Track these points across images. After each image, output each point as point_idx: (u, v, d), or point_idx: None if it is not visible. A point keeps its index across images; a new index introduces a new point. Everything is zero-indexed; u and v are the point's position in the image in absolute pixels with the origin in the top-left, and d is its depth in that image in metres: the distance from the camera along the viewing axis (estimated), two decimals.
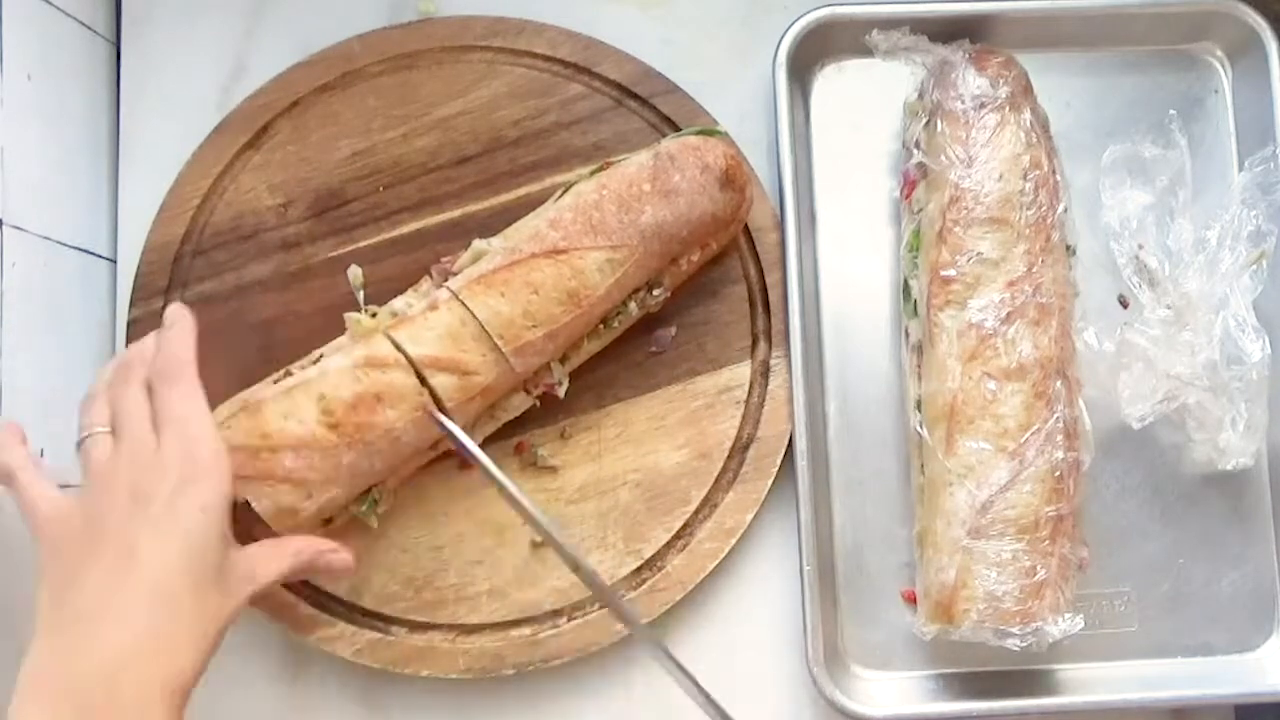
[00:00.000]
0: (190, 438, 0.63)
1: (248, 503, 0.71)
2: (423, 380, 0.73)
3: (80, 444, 0.64)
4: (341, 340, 0.76)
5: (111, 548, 0.60)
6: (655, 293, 0.80)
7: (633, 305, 0.79)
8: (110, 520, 0.61)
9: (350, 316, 0.76)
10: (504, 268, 0.74)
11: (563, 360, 0.79)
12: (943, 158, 0.80)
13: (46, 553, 0.61)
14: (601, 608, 0.80)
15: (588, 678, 0.81)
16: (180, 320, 0.67)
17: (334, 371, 0.72)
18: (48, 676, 0.58)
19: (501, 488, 0.69)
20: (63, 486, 0.76)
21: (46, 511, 0.62)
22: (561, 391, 0.79)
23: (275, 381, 0.74)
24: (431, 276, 0.78)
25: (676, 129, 0.84)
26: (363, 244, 0.83)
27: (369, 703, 0.81)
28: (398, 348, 0.72)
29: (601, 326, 0.79)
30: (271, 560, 0.67)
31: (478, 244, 0.78)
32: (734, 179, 0.78)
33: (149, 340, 0.68)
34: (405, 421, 0.73)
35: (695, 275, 0.82)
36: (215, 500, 0.62)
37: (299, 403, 0.72)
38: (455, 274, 0.76)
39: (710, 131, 0.81)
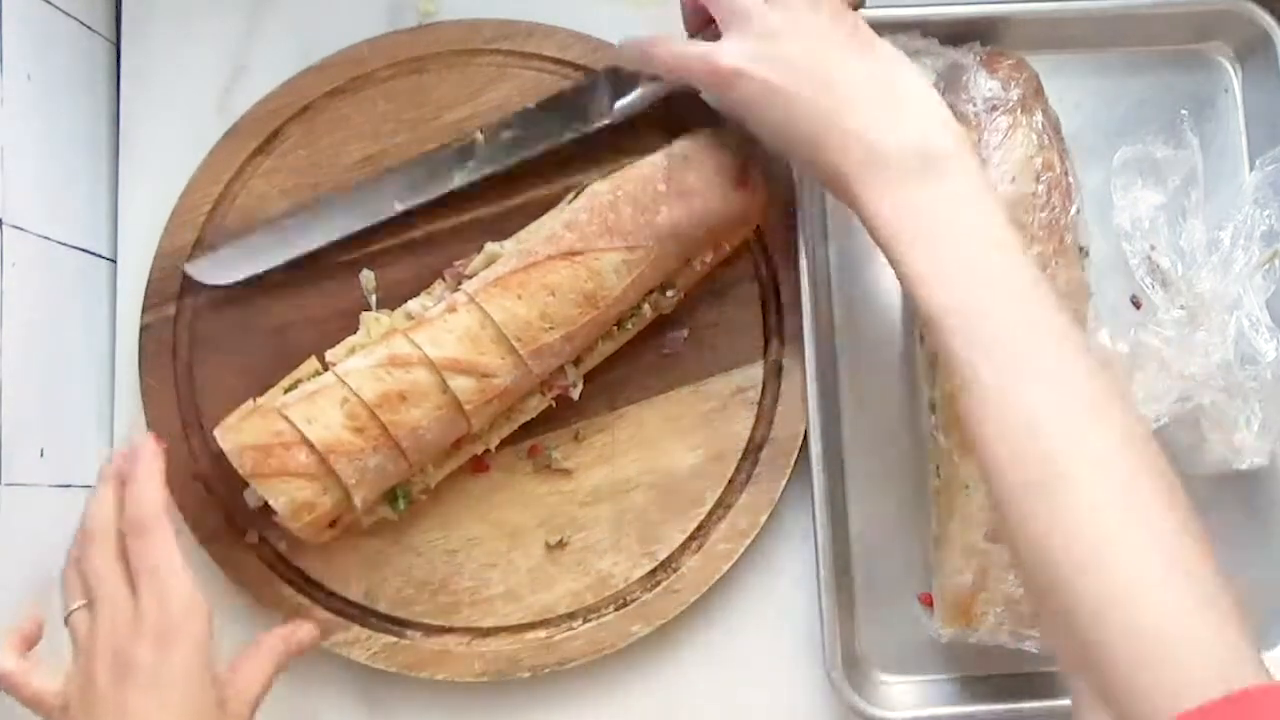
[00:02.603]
0: (163, 590, 0.65)
1: (267, 505, 0.71)
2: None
3: (66, 622, 0.67)
4: (350, 340, 0.76)
5: (108, 715, 0.63)
6: (668, 294, 0.80)
7: (646, 307, 0.79)
8: (99, 688, 0.63)
9: (367, 316, 0.76)
10: (520, 270, 0.74)
11: (576, 363, 0.79)
12: None
13: None
14: (617, 609, 0.79)
15: (602, 680, 0.81)
16: (146, 462, 0.68)
17: (355, 373, 0.72)
18: None
19: None
20: (63, 486, 0.76)
21: (50, 702, 0.65)
22: (575, 394, 0.79)
23: (285, 390, 0.74)
24: (444, 280, 0.78)
25: (686, 130, 0.84)
26: (374, 248, 0.83)
27: (376, 705, 0.81)
28: (418, 349, 0.72)
29: (615, 329, 0.79)
30: (257, 672, 0.70)
31: (490, 247, 0.77)
32: (748, 178, 0.78)
33: (107, 497, 0.69)
34: (430, 419, 0.72)
35: (707, 276, 0.82)
36: (194, 652, 0.64)
37: (322, 407, 0.72)
38: (468, 277, 0.76)
39: (722, 132, 0.81)
